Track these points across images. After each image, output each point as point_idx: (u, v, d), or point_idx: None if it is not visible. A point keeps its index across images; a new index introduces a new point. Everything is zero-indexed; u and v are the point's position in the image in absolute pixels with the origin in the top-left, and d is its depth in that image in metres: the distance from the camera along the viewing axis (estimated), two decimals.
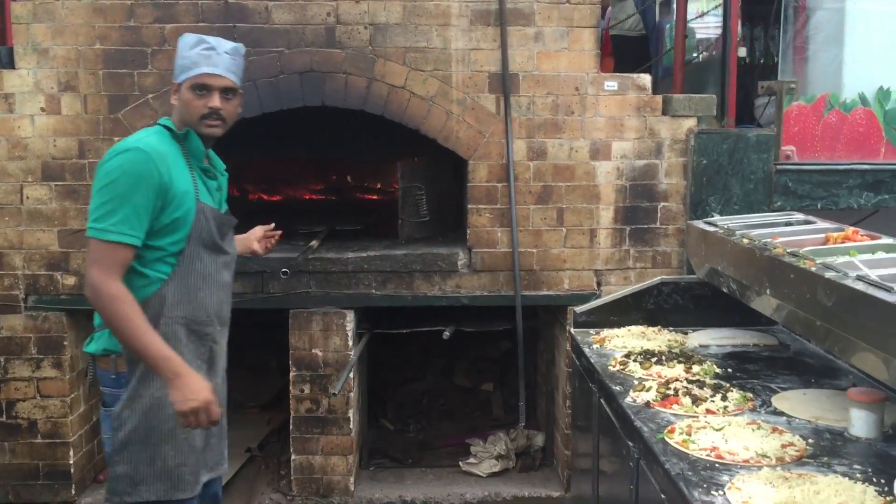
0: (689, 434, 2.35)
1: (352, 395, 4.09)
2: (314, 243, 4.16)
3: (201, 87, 2.38)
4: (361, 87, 3.94)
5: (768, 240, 2.89)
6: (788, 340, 3.41)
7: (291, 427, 4.13)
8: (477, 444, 4.56)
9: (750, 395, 2.71)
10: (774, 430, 2.39)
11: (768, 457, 2.20)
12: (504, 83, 3.94)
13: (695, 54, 5.52)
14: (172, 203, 2.31)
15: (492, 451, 4.47)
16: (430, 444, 4.84)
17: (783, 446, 2.26)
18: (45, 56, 3.86)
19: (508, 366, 5.24)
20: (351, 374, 4.04)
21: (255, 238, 2.91)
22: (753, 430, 2.38)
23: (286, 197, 5.90)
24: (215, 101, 2.39)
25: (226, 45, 2.44)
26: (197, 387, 2.24)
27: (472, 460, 4.47)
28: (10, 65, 3.87)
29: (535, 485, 4.31)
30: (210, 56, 2.39)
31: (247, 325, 5.52)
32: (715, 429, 2.37)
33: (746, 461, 2.19)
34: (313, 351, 4.05)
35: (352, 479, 4.17)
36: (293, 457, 4.14)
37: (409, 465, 4.56)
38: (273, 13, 3.90)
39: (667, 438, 2.35)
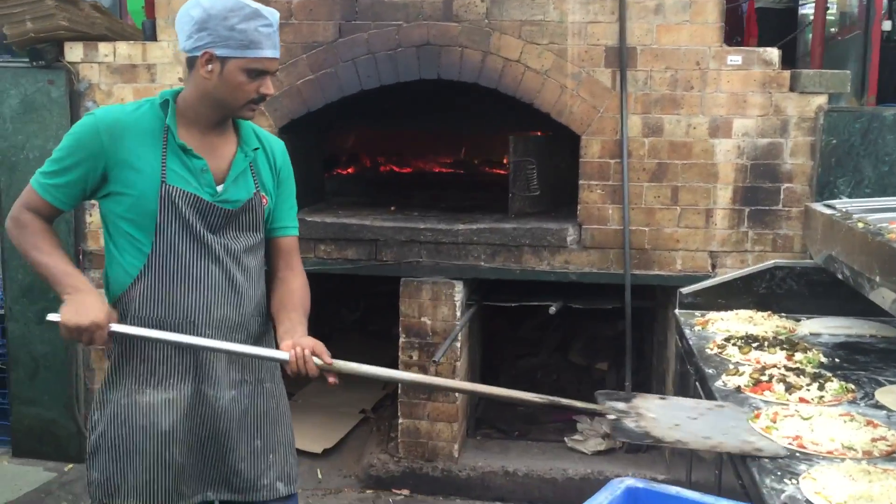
0: (774, 421, 2.27)
1: (458, 364, 4.17)
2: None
3: (259, 73, 2.10)
4: (476, 60, 3.97)
5: (884, 224, 2.71)
6: None
7: (399, 391, 4.26)
8: (584, 422, 4.54)
9: (852, 386, 2.56)
10: (869, 422, 2.26)
11: (854, 449, 2.09)
12: (621, 57, 3.87)
13: (832, 29, 5.18)
14: (118, 179, 2.10)
15: (598, 430, 4.45)
16: (538, 418, 4.86)
17: (873, 440, 2.14)
18: None
19: (624, 345, 5.17)
20: (457, 344, 4.11)
21: (303, 346, 2.10)
22: (846, 421, 2.26)
23: (415, 170, 6.04)
24: (270, 87, 2.14)
25: (276, 16, 2.14)
26: (90, 305, 2.03)
27: (577, 437, 4.46)
28: (153, 37, 4.17)
29: (640, 466, 4.25)
30: (270, 35, 2.10)
31: (371, 292, 5.83)
32: (803, 417, 2.27)
33: (830, 452, 2.09)
34: (422, 319, 4.15)
35: (456, 446, 4.26)
36: (400, 420, 4.27)
37: (515, 438, 4.61)
38: None
39: (751, 423, 2.27)
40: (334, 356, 2.14)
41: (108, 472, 2.17)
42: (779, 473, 1.99)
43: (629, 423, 2.23)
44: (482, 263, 4.10)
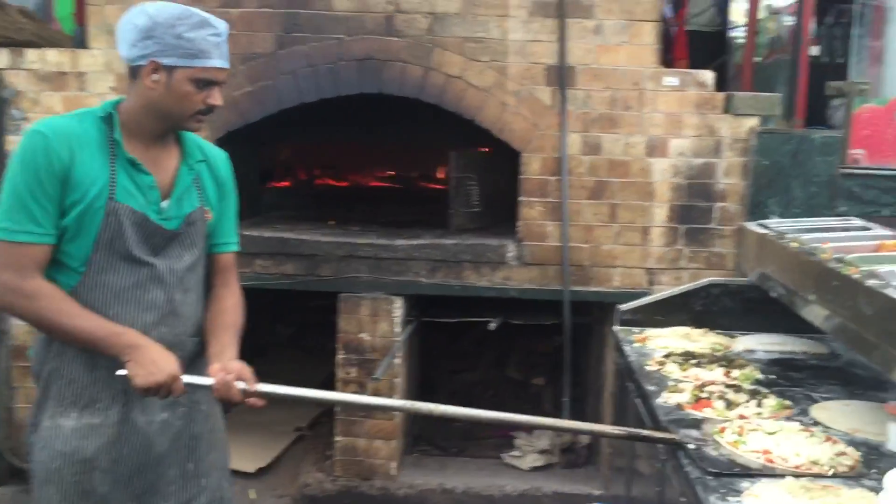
0: (742, 434, 2.29)
1: (397, 380, 4.13)
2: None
3: (207, 83, 2.03)
4: (418, 75, 3.96)
5: (817, 244, 2.79)
6: (841, 350, 3.29)
7: (337, 409, 4.20)
8: (521, 438, 4.55)
9: (788, 402, 2.62)
10: (828, 438, 2.31)
11: (820, 464, 2.13)
12: (561, 76, 3.91)
13: (761, 53, 5.35)
14: (73, 193, 1.97)
15: (536, 445, 4.46)
16: (476, 434, 4.85)
17: (837, 455, 2.19)
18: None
19: (561, 361, 5.20)
20: (397, 360, 4.08)
21: (228, 371, 2.05)
22: (807, 436, 2.31)
23: (353, 183, 5.99)
24: (218, 97, 2.06)
25: (224, 26, 2.09)
26: (159, 359, 1.97)
27: (515, 453, 4.47)
28: (84, 45, 4.04)
29: (576, 482, 4.28)
30: (219, 45, 2.05)
31: (307, 307, 5.75)
32: (767, 432, 2.31)
33: (797, 467, 2.12)
34: (361, 335, 4.11)
35: (394, 464, 4.21)
36: (337, 438, 4.20)
37: (453, 454, 4.58)
38: (334, 0, 3.95)
39: (717, 437, 2.30)
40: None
41: (42, 499, 2.07)
42: (722, 491, 2.02)
43: (711, 451, 2.23)
44: (422, 279, 4.08)
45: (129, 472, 2.12)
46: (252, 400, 2.06)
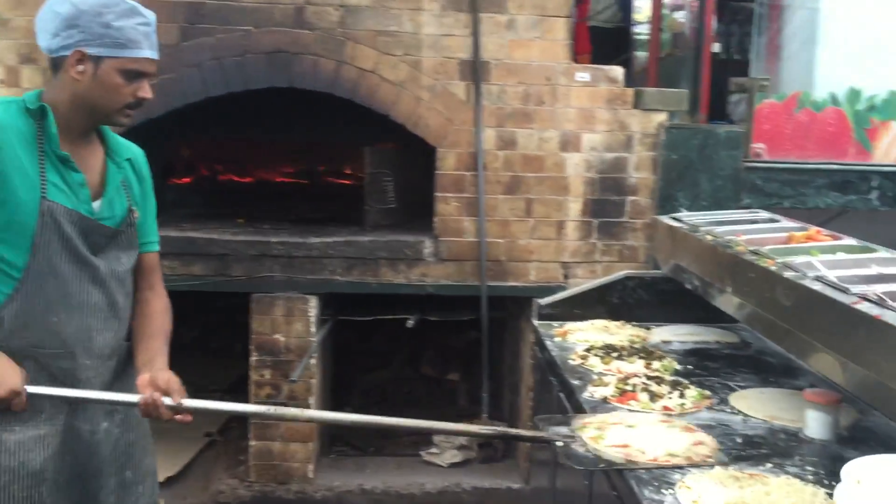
0: (602, 429, 2.32)
1: (313, 381, 4.04)
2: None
3: (137, 74, 1.95)
4: (330, 69, 3.88)
5: (731, 237, 2.87)
6: (750, 339, 3.41)
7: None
8: (439, 434, 4.53)
9: (708, 392, 2.69)
10: (686, 428, 2.36)
11: (677, 455, 2.18)
12: (475, 70, 3.90)
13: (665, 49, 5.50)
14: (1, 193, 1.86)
15: (454, 441, 4.45)
16: (393, 432, 4.80)
17: (694, 444, 2.24)
18: (6, 27, 3.76)
19: (475, 356, 5.20)
20: (313, 361, 3.99)
21: (157, 385, 1.97)
22: (666, 427, 2.35)
23: (257, 180, 5.83)
24: (148, 90, 1.98)
25: (153, 16, 2.00)
26: (1, 372, 1.85)
27: (433, 450, 4.44)
28: None
29: (496, 476, 4.29)
30: (149, 35, 1.97)
31: (211, 308, 5.57)
32: (627, 425, 2.34)
33: (655, 459, 2.16)
34: (275, 336, 4.00)
35: (311, 467, 4.13)
36: (252, 442, 4.08)
37: (371, 454, 4.52)
38: None
39: (578, 432, 2.32)
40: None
41: None
42: (655, 484, 2.04)
43: (578, 448, 2.23)
44: (338, 277, 4.00)
45: (69, 483, 2.03)
46: (179, 416, 1.96)
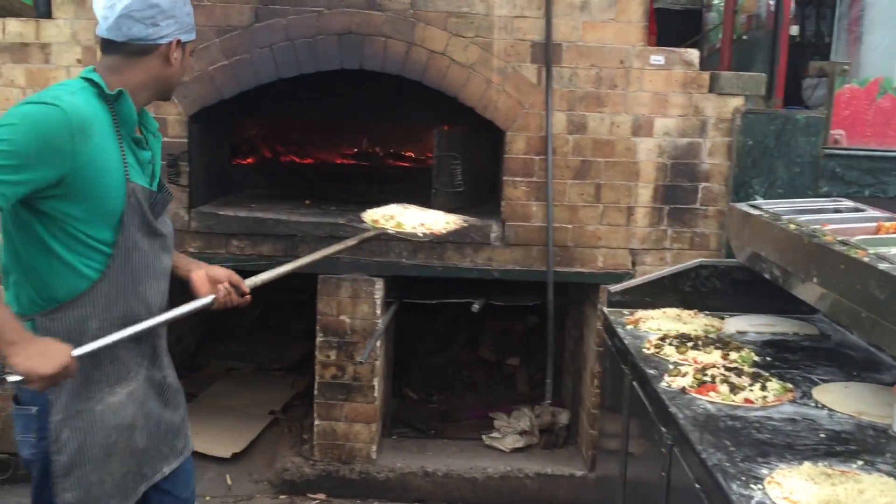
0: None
1: (377, 363, 4.05)
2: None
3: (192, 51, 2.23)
4: (400, 51, 3.85)
5: (817, 226, 2.78)
6: (829, 331, 3.31)
7: (316, 392, 4.11)
8: (501, 419, 4.52)
9: (790, 385, 2.62)
10: None
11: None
12: (547, 53, 3.83)
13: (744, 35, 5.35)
14: (80, 179, 1.95)
15: (516, 427, 4.43)
16: (453, 415, 4.81)
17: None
18: (83, 6, 3.80)
19: (534, 341, 5.18)
20: (378, 343, 4.00)
21: (212, 278, 2.27)
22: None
23: (319, 161, 5.84)
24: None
25: None
26: (49, 352, 1.90)
27: (495, 434, 4.43)
28: (48, 14, 3.83)
29: (558, 462, 4.26)
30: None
31: (272, 286, 5.61)
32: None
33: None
34: (341, 317, 4.01)
35: (374, 448, 4.15)
36: (316, 422, 4.12)
37: (432, 437, 4.53)
38: None
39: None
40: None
41: (85, 486, 2.11)
42: (743, 479, 1.99)
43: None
44: (404, 260, 3.99)
45: (157, 425, 2.29)
46: (248, 298, 2.32)
